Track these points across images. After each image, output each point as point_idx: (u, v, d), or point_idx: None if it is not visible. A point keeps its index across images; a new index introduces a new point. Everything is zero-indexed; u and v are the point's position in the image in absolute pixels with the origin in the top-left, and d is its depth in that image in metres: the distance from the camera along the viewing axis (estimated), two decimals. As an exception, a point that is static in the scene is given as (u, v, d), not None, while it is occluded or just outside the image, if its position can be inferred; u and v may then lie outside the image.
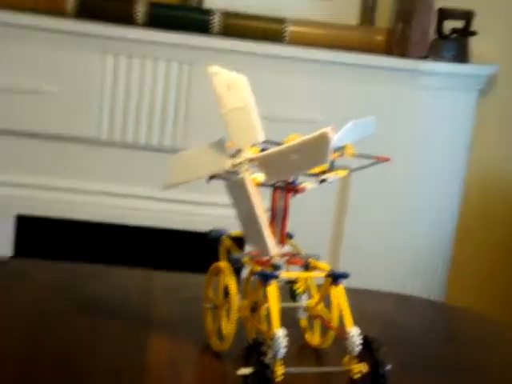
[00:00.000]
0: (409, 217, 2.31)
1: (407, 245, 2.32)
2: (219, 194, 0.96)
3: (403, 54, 2.21)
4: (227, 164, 0.89)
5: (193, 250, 2.19)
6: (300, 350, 1.00)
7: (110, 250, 2.31)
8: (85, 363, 0.97)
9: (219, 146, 0.90)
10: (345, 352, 0.91)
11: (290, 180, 0.94)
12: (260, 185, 0.89)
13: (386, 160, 0.96)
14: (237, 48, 2.17)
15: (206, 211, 2.23)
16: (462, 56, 2.28)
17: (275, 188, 0.94)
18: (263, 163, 0.88)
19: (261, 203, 0.86)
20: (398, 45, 2.21)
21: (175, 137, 2.21)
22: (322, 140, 0.83)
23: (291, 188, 0.94)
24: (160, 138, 2.20)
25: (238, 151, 0.90)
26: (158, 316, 1.14)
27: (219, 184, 0.92)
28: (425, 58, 2.23)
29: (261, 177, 0.90)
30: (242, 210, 0.88)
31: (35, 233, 2.31)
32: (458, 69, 2.29)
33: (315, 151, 0.84)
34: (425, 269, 2.35)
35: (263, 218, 0.86)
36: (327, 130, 0.83)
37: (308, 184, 0.93)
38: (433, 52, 2.24)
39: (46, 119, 2.19)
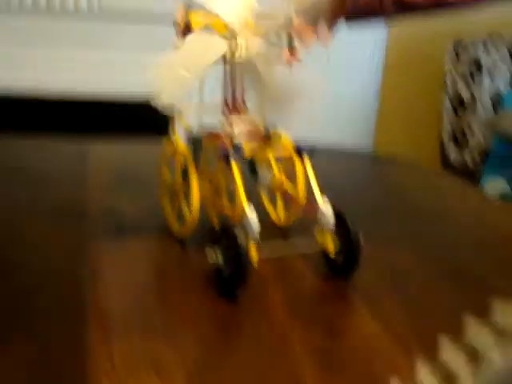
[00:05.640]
0: (336, 68, 2.27)
1: (334, 95, 2.30)
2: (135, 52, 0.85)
3: None
4: (230, 45, 0.82)
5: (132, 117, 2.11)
6: (267, 230, 0.95)
7: (36, 123, 2.18)
8: (18, 254, 0.89)
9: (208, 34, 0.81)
10: (309, 227, 0.86)
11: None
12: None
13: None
14: None
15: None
16: None
17: None
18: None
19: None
20: None
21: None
22: None
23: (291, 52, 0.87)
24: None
25: (233, 34, 0.82)
26: (96, 184, 1.07)
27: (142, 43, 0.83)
28: None
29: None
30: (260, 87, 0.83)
31: None
32: None
33: None
34: (353, 118, 2.34)
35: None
36: None
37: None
38: None
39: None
